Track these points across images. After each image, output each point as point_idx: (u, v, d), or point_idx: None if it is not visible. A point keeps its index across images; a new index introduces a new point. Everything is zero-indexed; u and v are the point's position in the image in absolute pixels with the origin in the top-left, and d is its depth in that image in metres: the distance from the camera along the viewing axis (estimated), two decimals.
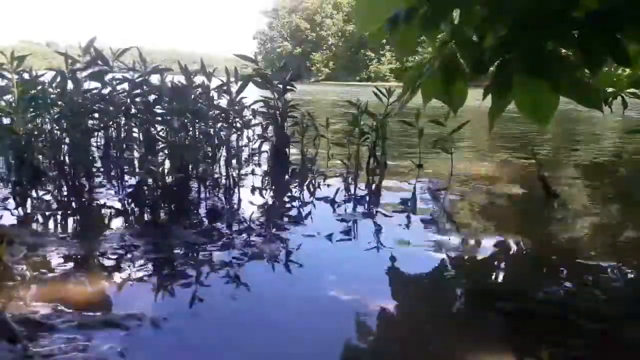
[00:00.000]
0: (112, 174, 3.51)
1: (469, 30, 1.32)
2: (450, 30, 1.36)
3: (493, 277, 2.02)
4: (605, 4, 1.12)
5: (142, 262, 1.94)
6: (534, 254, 2.26)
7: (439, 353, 1.42)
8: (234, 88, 3.64)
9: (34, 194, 2.94)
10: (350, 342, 1.45)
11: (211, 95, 3.59)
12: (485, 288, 1.87)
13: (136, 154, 3.66)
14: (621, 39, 1.10)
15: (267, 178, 3.61)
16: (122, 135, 3.74)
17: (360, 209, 2.86)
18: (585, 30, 1.10)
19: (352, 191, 3.28)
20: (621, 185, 4.00)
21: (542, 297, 1.74)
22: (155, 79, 3.57)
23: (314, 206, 2.87)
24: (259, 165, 4.02)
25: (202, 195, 3.00)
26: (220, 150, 3.71)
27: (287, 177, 3.67)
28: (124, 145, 3.66)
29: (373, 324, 1.57)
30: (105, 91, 3.53)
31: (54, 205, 2.73)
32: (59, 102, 3.35)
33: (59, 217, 2.57)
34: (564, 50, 1.23)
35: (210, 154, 3.54)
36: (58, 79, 3.33)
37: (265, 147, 4.21)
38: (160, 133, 3.52)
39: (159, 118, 3.43)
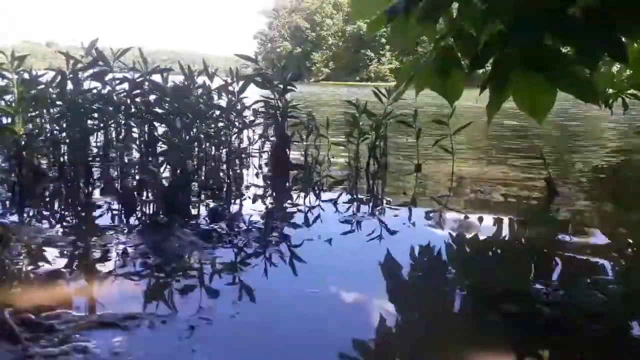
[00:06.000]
0: (112, 174, 3.51)
1: (467, 24, 1.31)
2: (449, 24, 1.36)
3: (496, 277, 2.02)
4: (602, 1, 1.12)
5: (141, 262, 1.94)
6: (537, 255, 2.26)
7: (441, 354, 1.42)
8: (235, 88, 3.64)
9: (32, 193, 2.94)
10: (350, 345, 1.45)
11: (212, 95, 3.59)
12: (488, 289, 1.86)
13: (136, 154, 3.66)
14: (619, 36, 1.10)
15: (267, 178, 3.60)
16: (122, 135, 3.74)
17: (360, 211, 2.85)
18: (583, 25, 1.10)
19: (352, 192, 3.27)
20: (624, 183, 4.00)
21: (546, 297, 1.73)
22: (156, 79, 3.56)
23: (314, 208, 2.87)
24: (260, 165, 4.02)
25: (202, 196, 3.00)
26: (221, 151, 3.71)
27: (287, 177, 3.67)
28: (124, 146, 3.66)
29: (374, 326, 1.56)
30: (105, 91, 3.53)
31: (53, 205, 2.74)
32: (59, 102, 3.35)
33: (57, 216, 2.57)
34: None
35: (211, 154, 3.54)
36: (58, 79, 3.33)
37: (266, 147, 4.21)
38: (161, 133, 3.52)
39: (159, 118, 3.43)
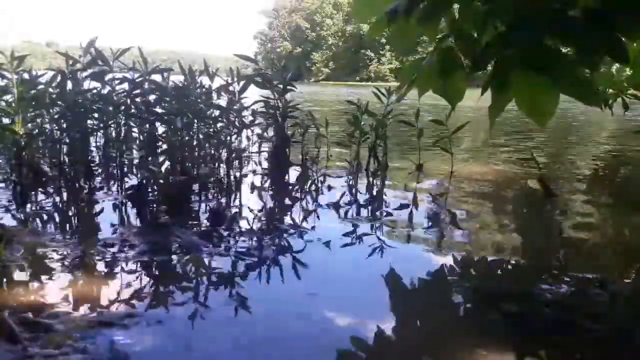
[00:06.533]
0: (112, 174, 3.51)
1: (468, 26, 1.31)
2: (450, 25, 1.35)
3: (495, 277, 2.02)
4: (602, 2, 1.12)
5: (141, 262, 1.94)
6: (536, 254, 2.26)
7: (441, 354, 1.42)
8: (236, 88, 3.64)
9: (33, 193, 2.94)
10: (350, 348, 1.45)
11: (212, 95, 3.59)
12: (488, 289, 1.86)
13: (136, 154, 3.66)
14: (620, 37, 1.10)
15: (267, 179, 3.60)
16: (122, 135, 3.74)
17: (360, 211, 2.85)
18: (583, 25, 1.10)
19: (353, 193, 3.27)
20: (621, 183, 4.00)
21: (545, 298, 1.73)
22: (156, 79, 3.56)
23: (314, 208, 2.87)
24: (260, 165, 4.02)
25: (202, 197, 2.99)
26: (221, 151, 3.71)
27: (287, 178, 3.66)
28: (124, 146, 3.66)
29: (374, 327, 1.56)
30: (105, 91, 3.53)
31: (53, 205, 2.73)
32: (59, 102, 3.35)
33: (58, 217, 2.57)
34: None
35: (210, 154, 3.54)
36: (58, 79, 3.33)
37: (266, 147, 4.21)
38: (161, 133, 3.52)
39: (159, 118, 3.42)
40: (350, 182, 3.51)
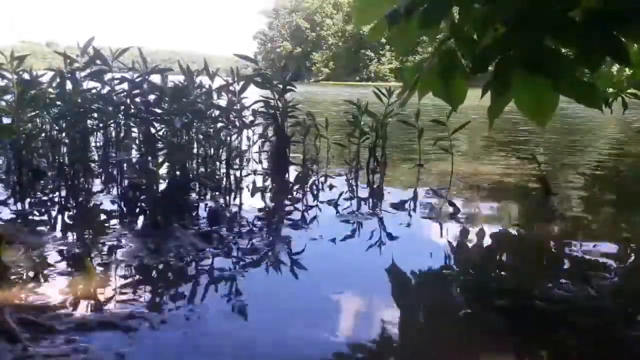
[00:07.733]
0: (111, 174, 3.51)
1: (469, 28, 1.31)
2: (450, 28, 1.35)
3: (492, 273, 2.02)
4: (604, 3, 1.12)
5: (141, 262, 1.94)
6: (533, 251, 2.27)
7: (436, 350, 1.42)
8: (236, 88, 3.64)
9: (32, 193, 2.94)
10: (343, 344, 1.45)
11: (211, 95, 3.59)
12: (483, 284, 1.86)
13: (135, 154, 3.65)
14: (620, 38, 1.10)
15: (267, 178, 3.60)
16: (122, 135, 3.74)
17: (361, 209, 2.85)
18: (584, 28, 1.10)
19: (353, 192, 3.27)
20: (619, 181, 4.00)
21: (541, 293, 1.73)
22: (155, 79, 3.56)
23: (315, 207, 2.87)
24: (260, 165, 4.02)
25: (202, 197, 2.99)
26: (221, 151, 3.71)
27: (287, 177, 3.66)
28: (123, 145, 3.66)
29: (371, 322, 1.56)
30: (105, 91, 3.52)
31: (53, 206, 2.73)
32: (59, 102, 3.35)
33: (57, 217, 2.57)
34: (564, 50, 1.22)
35: (210, 154, 3.54)
36: (57, 79, 3.33)
37: (266, 147, 4.21)
38: (160, 133, 3.52)
39: (159, 118, 3.42)
40: (349, 183, 3.51)
